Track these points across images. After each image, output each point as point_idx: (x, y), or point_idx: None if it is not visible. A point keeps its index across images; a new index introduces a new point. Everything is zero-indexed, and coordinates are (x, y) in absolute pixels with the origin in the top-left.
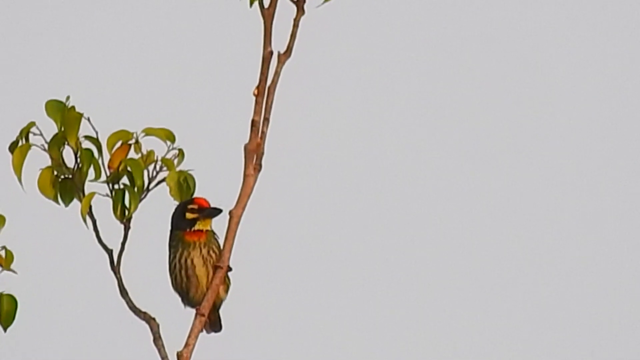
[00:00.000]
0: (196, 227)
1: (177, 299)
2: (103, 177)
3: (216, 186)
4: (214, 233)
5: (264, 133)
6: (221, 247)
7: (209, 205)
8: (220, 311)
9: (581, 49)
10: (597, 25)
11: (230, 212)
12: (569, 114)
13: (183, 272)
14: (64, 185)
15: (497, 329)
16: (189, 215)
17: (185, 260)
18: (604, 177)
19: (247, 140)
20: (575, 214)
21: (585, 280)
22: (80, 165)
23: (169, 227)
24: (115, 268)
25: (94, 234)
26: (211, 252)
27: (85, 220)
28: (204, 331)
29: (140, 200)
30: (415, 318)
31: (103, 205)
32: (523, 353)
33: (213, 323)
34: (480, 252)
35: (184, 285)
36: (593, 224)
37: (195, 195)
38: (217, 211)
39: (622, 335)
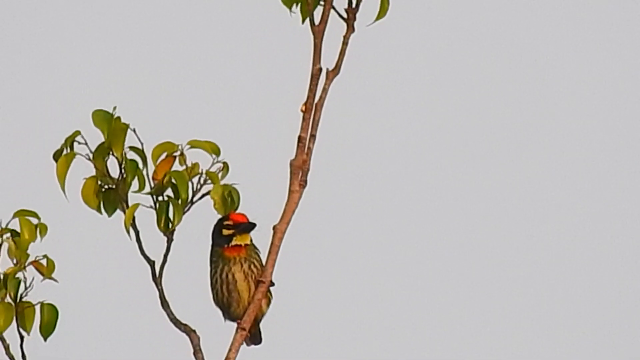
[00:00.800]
0: (233, 242)
1: (218, 312)
2: (147, 189)
3: (261, 201)
4: (255, 247)
5: (310, 149)
6: (263, 261)
7: (246, 220)
8: (261, 324)
9: (581, 49)
10: (597, 25)
11: (274, 228)
12: (569, 113)
13: (224, 287)
14: (108, 195)
15: (497, 329)
16: (225, 232)
17: (227, 275)
18: (604, 177)
19: (293, 156)
20: (575, 213)
21: (585, 280)
22: (124, 175)
23: (210, 242)
24: (156, 280)
25: (136, 245)
26: (252, 266)
27: (128, 231)
28: (244, 344)
29: (184, 212)
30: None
31: (146, 217)
32: (523, 353)
33: (253, 336)
34: (482, 251)
35: (225, 300)
36: (593, 224)
37: (239, 210)
38: (252, 226)
39: (622, 335)
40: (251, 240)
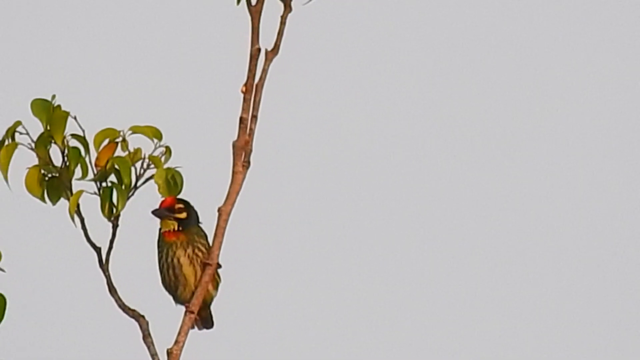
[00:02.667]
0: (163, 228)
1: (167, 296)
2: (90, 176)
3: (204, 183)
4: (201, 230)
5: (252, 130)
6: (210, 244)
7: (170, 204)
8: (212, 308)
9: (581, 49)
10: (597, 25)
11: (219, 209)
12: (569, 113)
13: (171, 271)
14: (51, 183)
15: (497, 329)
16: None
17: (172, 260)
18: (604, 177)
19: (235, 138)
20: (575, 213)
21: (585, 280)
22: (67, 163)
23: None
24: (103, 266)
25: (82, 232)
26: (197, 250)
27: (73, 219)
28: (195, 328)
29: (128, 198)
30: (408, 313)
31: (91, 204)
32: (523, 353)
33: (204, 320)
34: (480, 250)
35: (172, 284)
36: (593, 224)
37: (184, 193)
38: (159, 212)
39: (622, 335)
40: (199, 224)
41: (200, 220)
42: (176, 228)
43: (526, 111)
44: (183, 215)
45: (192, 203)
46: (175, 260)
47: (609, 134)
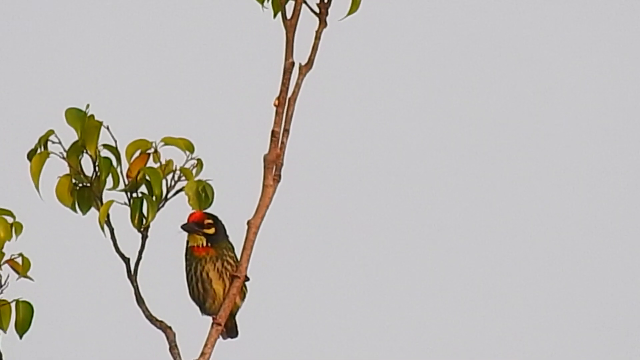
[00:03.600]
0: (190, 243)
1: (194, 307)
2: (121, 186)
3: (235, 196)
4: (229, 242)
5: (283, 144)
6: (238, 257)
7: (199, 219)
8: (237, 317)
9: (581, 49)
10: (597, 25)
11: (248, 222)
12: (569, 113)
13: (200, 284)
14: (82, 193)
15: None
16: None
17: (201, 274)
18: (604, 177)
19: (266, 151)
20: (575, 213)
21: (585, 280)
22: (98, 173)
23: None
24: (132, 277)
25: (111, 242)
26: (225, 263)
27: (102, 229)
28: (220, 337)
29: (158, 209)
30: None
31: (121, 214)
32: (523, 353)
33: (229, 329)
34: (483, 252)
35: (200, 297)
36: (593, 224)
37: (214, 205)
38: (189, 227)
39: (622, 335)
40: (227, 237)
41: (228, 233)
42: (204, 244)
43: (530, 113)
44: (211, 230)
45: (220, 217)
46: (204, 275)
47: (609, 134)
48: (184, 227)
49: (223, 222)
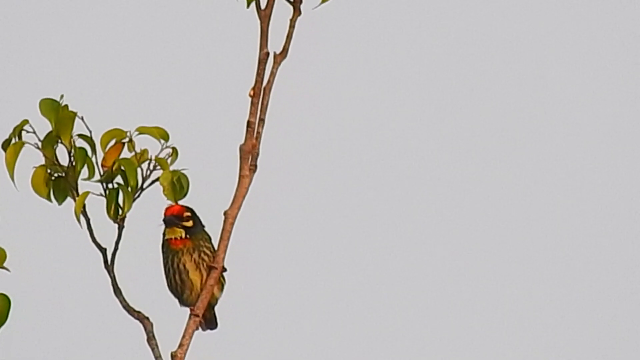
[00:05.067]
0: (166, 236)
1: (172, 298)
2: (97, 176)
3: (211, 186)
4: (206, 233)
5: (259, 134)
6: (215, 247)
7: (177, 212)
8: (216, 309)
9: (581, 49)
10: (597, 25)
11: (225, 213)
12: (569, 113)
13: (177, 276)
14: (58, 183)
15: (497, 329)
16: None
17: (178, 265)
18: (604, 177)
19: (242, 141)
20: (575, 213)
21: (585, 280)
22: (73, 163)
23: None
24: (108, 267)
25: (87, 232)
26: (202, 254)
27: (79, 219)
28: (200, 329)
29: (134, 199)
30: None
31: (97, 204)
32: (523, 353)
33: (208, 321)
34: (481, 251)
35: (178, 288)
36: (593, 224)
37: (190, 196)
38: (167, 220)
39: (622, 335)
40: (203, 228)
41: (204, 224)
42: (183, 236)
43: (530, 112)
44: (190, 223)
45: (195, 208)
46: (181, 266)
47: (610, 135)
48: (165, 220)
49: (198, 215)
